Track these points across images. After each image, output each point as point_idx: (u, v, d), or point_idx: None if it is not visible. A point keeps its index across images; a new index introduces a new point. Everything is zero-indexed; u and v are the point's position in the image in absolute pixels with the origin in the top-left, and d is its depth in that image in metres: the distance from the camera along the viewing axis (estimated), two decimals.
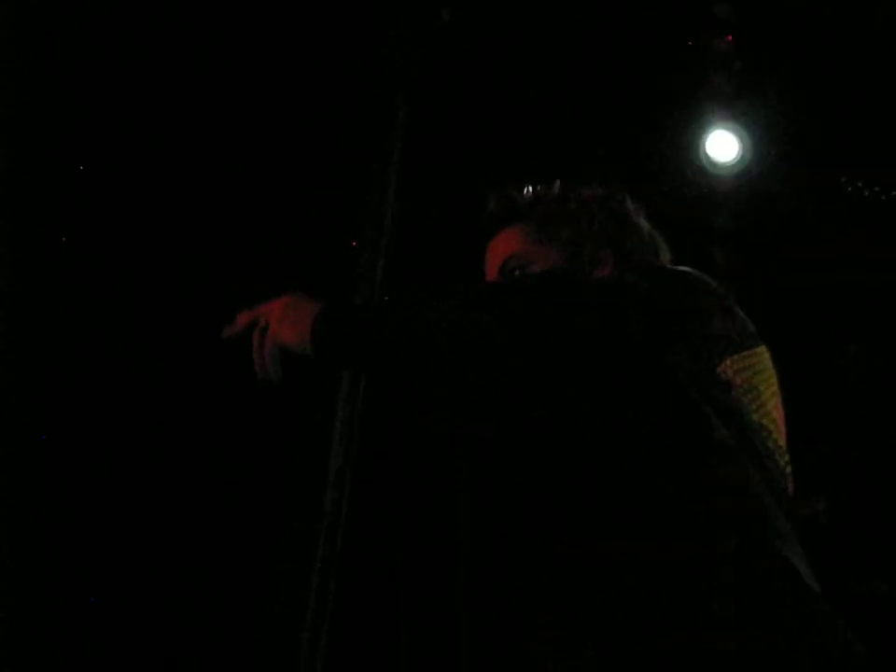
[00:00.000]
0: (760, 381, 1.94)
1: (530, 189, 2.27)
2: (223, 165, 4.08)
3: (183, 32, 3.90)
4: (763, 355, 1.98)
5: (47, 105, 3.79)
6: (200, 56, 3.94)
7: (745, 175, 4.31)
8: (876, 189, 4.44)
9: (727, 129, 4.32)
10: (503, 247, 2.23)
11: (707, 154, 4.35)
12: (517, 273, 2.18)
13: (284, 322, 1.89)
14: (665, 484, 1.74)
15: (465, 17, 3.81)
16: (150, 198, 4.04)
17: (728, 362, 1.90)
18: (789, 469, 1.93)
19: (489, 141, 4.05)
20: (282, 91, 4.04)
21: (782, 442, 1.95)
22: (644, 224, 2.25)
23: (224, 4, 3.94)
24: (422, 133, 3.92)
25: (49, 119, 3.81)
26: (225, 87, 4.01)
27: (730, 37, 4.08)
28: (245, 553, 3.89)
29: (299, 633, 3.42)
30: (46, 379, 3.92)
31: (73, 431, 4.06)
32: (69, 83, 3.84)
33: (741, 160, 4.29)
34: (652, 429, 1.78)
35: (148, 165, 4.02)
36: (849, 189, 4.46)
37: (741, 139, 4.29)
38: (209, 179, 4.07)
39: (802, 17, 3.91)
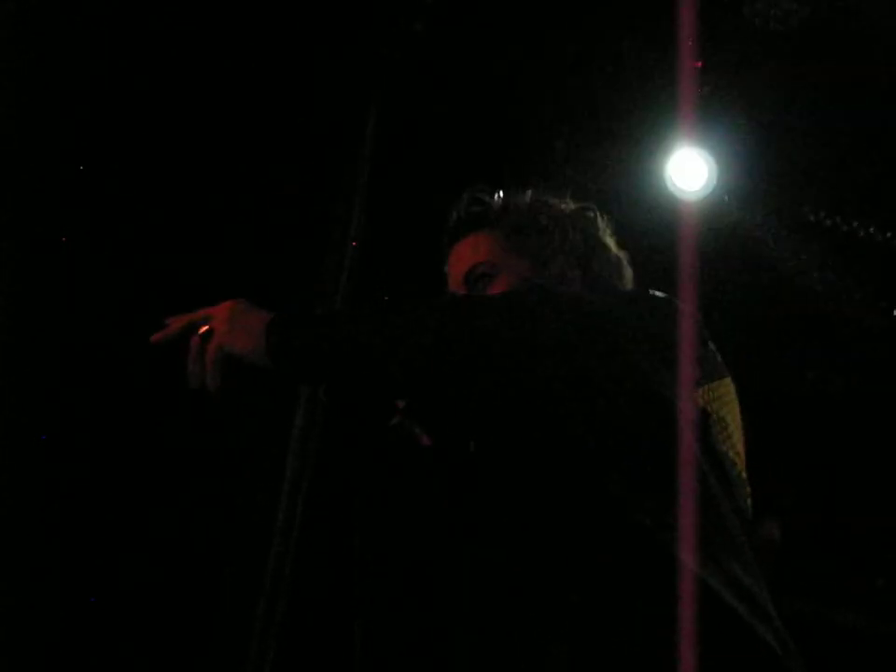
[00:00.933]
0: (727, 412, 1.93)
1: (501, 194, 2.23)
2: (190, 171, 4.08)
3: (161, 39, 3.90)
4: (729, 385, 1.97)
5: (47, 105, 3.79)
6: (168, 60, 3.94)
7: (712, 202, 4.29)
8: (838, 219, 4.45)
9: (694, 154, 4.29)
10: (471, 253, 2.19)
11: (672, 180, 4.32)
12: (483, 281, 2.13)
13: (234, 329, 1.80)
14: (642, 499, 1.72)
15: (439, 29, 3.81)
16: (142, 199, 4.04)
17: (700, 391, 1.88)
18: (749, 501, 1.92)
19: (457, 153, 4.03)
20: (253, 99, 4.02)
21: (745, 475, 1.93)
22: (611, 243, 2.23)
23: (197, 10, 3.91)
24: (392, 142, 3.92)
25: (50, 118, 3.81)
26: (196, 93, 4.01)
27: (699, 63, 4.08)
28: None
29: (247, 642, 3.41)
30: (46, 379, 3.90)
31: (73, 431, 4.02)
32: (69, 83, 3.82)
33: (708, 187, 4.26)
34: (640, 451, 1.76)
35: (135, 167, 4.03)
36: (812, 218, 4.47)
37: (708, 165, 4.26)
38: (179, 183, 4.07)
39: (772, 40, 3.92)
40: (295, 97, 4.02)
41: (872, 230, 4.39)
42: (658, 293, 1.98)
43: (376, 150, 3.88)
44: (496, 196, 2.23)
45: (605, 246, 2.22)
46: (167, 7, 3.84)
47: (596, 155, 4.33)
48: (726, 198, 4.32)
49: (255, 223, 4.10)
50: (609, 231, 2.25)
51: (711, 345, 1.98)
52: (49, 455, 3.95)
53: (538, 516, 1.76)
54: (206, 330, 1.82)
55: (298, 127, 4.06)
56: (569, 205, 2.25)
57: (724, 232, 4.39)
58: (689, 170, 4.26)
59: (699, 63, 3.96)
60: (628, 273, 2.23)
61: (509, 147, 4.11)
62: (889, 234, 4.34)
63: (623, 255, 2.25)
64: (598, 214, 2.25)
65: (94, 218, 4.01)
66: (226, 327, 1.81)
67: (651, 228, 4.14)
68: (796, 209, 4.46)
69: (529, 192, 2.24)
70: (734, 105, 4.12)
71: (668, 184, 4.30)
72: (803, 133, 4.16)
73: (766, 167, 4.28)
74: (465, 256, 2.19)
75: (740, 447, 1.94)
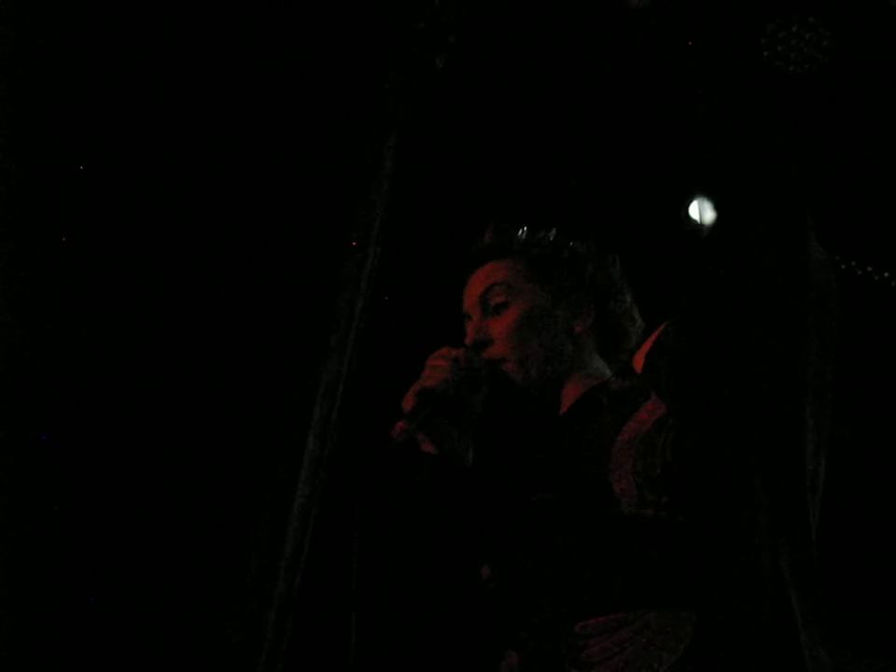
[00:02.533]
0: None
1: (526, 230, 2.32)
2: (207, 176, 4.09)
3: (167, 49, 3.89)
4: None
5: (46, 104, 3.77)
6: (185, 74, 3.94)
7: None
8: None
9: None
10: (491, 275, 2.27)
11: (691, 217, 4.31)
12: (500, 305, 2.22)
13: None
14: None
15: (459, 65, 3.81)
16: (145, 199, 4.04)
17: None
18: None
19: (475, 186, 4.05)
20: (274, 125, 4.04)
21: None
22: (628, 291, 2.32)
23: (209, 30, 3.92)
24: (411, 173, 3.94)
25: (49, 117, 3.79)
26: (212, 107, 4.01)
27: None
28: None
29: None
30: (46, 379, 3.88)
31: (73, 431, 4.01)
32: (69, 82, 3.81)
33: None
34: None
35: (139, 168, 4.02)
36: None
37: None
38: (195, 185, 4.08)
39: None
40: (316, 124, 4.03)
41: None
42: None
43: (395, 181, 3.89)
44: (520, 229, 2.31)
45: (621, 290, 2.30)
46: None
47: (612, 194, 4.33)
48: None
49: (270, 227, 4.11)
50: (626, 280, 2.33)
51: None
52: (50, 455, 3.93)
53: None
54: None
55: (318, 156, 4.05)
56: (591, 248, 2.33)
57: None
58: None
59: None
60: (639, 319, 2.32)
61: (526, 185, 4.12)
62: None
63: (635, 305, 2.33)
64: (617, 258, 2.33)
65: (94, 218, 4.01)
66: None
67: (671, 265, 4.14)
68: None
69: (553, 230, 2.33)
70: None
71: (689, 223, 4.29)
72: None
73: None
74: (483, 279, 2.27)
75: None
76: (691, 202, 4.32)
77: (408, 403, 2.10)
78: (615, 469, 1.92)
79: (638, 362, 2.06)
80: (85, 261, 3.98)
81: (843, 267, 4.43)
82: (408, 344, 2.52)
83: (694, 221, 4.28)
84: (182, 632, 3.86)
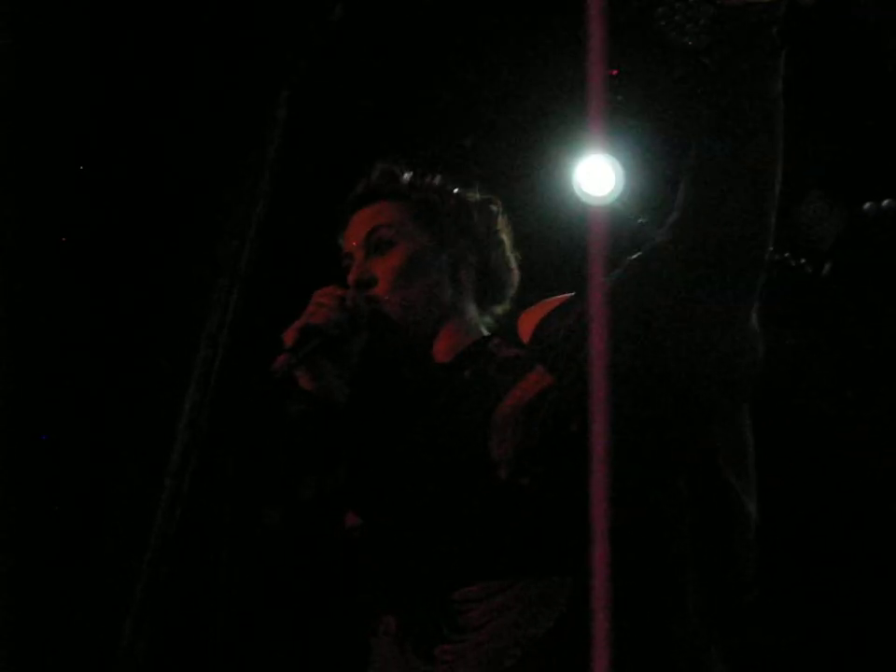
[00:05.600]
0: None
1: (412, 172, 2.31)
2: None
3: None
4: None
5: (46, 104, 3.79)
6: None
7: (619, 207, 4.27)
8: None
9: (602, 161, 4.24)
10: (376, 216, 2.25)
11: (580, 186, 4.28)
12: (383, 245, 2.21)
13: None
14: None
15: (357, 15, 3.79)
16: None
17: None
18: None
19: (367, 143, 4.02)
20: (164, 83, 4.01)
21: None
22: (508, 242, 2.33)
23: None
24: (302, 129, 3.90)
25: (49, 117, 3.81)
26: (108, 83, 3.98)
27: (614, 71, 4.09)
28: None
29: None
30: (46, 379, 3.90)
31: (72, 431, 4.02)
32: (68, 81, 3.83)
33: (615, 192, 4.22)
34: None
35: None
36: None
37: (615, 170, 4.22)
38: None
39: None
40: (207, 81, 4.01)
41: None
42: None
43: (286, 136, 3.85)
44: (406, 172, 2.30)
45: (503, 242, 2.32)
46: None
47: (503, 156, 4.32)
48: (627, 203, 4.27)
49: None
50: (508, 229, 2.34)
51: None
52: (49, 456, 3.96)
53: None
54: None
55: (209, 112, 4.04)
56: (476, 196, 2.33)
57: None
58: (597, 176, 4.23)
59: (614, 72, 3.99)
60: (517, 274, 2.33)
61: (419, 139, 4.10)
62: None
63: (516, 256, 2.34)
64: (501, 209, 2.35)
65: (94, 218, 4.02)
66: None
67: (558, 233, 4.15)
68: None
69: (439, 176, 2.32)
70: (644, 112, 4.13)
71: (576, 189, 4.27)
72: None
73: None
74: (369, 218, 2.25)
75: None
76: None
77: (289, 337, 2.08)
78: (495, 434, 1.93)
79: (526, 328, 2.09)
80: (85, 261, 3.99)
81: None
82: (291, 291, 2.49)
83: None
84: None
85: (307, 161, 4.04)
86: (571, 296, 2.05)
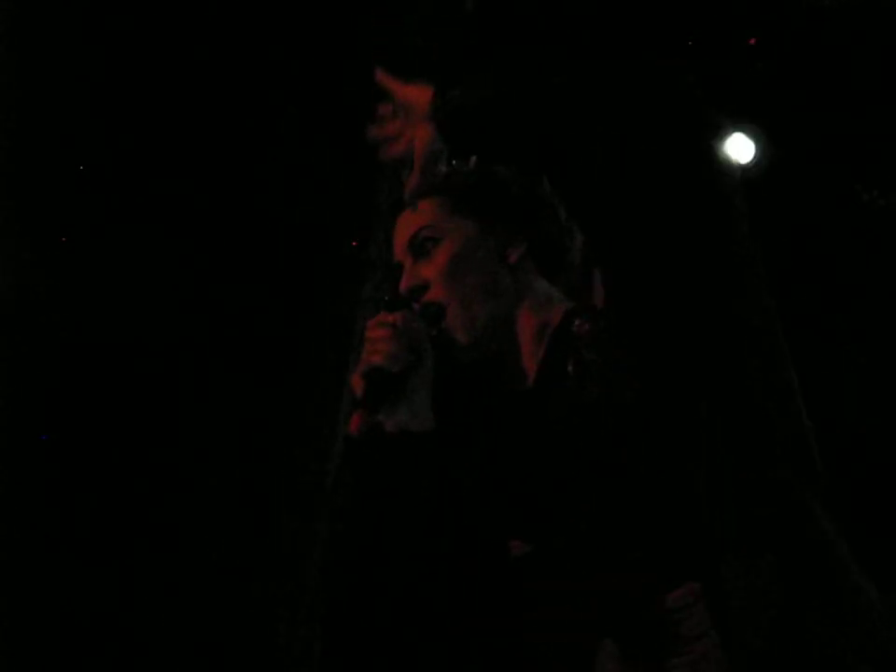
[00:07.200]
0: None
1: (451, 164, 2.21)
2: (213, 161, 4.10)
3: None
4: None
5: (46, 103, 3.81)
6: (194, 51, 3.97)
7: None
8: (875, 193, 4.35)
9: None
10: (416, 218, 2.19)
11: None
12: (428, 244, 2.15)
13: None
14: None
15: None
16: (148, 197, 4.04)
17: None
18: None
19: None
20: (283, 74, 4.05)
21: None
22: (560, 207, 2.22)
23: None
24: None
25: (49, 117, 3.83)
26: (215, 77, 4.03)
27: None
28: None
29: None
30: (45, 378, 3.94)
31: (72, 431, 4.04)
32: (68, 82, 3.86)
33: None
34: None
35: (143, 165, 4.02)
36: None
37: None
38: (201, 176, 4.09)
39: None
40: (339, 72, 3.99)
41: None
42: None
43: None
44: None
45: (552, 206, 2.21)
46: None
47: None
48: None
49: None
50: (556, 195, 2.21)
51: None
52: (49, 455, 4.00)
53: None
54: None
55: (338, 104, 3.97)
56: (512, 168, 2.24)
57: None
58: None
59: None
60: (579, 238, 2.22)
61: None
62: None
63: (573, 221, 2.22)
64: (545, 178, 2.22)
65: (94, 218, 4.02)
66: None
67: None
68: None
69: (473, 158, 2.23)
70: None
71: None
72: None
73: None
74: (409, 222, 2.20)
75: None
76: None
77: (358, 387, 2.02)
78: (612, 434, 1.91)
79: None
80: (84, 261, 4.00)
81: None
82: None
83: None
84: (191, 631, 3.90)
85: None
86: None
